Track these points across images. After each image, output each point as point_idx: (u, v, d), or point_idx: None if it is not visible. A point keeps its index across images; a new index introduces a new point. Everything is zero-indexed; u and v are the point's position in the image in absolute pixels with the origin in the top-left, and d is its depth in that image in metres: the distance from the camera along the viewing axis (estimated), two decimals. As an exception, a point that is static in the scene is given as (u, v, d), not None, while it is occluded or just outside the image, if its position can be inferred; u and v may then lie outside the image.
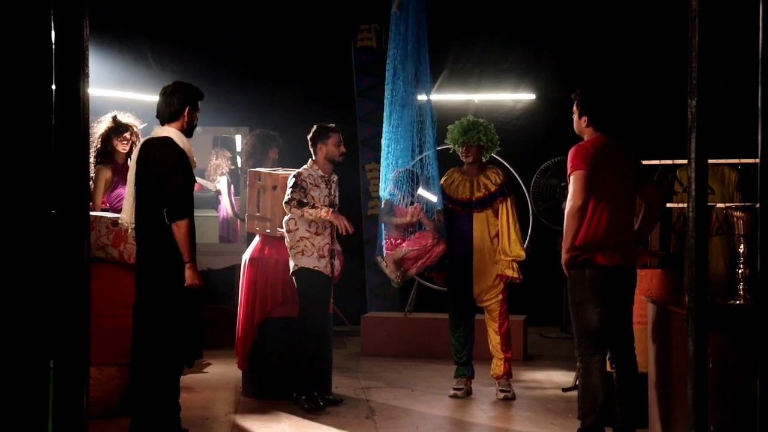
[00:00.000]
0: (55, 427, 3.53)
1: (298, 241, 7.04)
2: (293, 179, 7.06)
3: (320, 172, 7.11)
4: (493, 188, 7.46)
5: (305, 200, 6.95)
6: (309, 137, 7.19)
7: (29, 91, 3.55)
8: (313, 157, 7.16)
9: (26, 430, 3.41)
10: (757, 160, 3.72)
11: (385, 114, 7.48)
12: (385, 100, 7.45)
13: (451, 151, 7.66)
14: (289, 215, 7.05)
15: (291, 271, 7.10)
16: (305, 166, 7.16)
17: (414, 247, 7.36)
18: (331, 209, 6.99)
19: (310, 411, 6.88)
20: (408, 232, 7.48)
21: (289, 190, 7.00)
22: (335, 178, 7.26)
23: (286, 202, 6.97)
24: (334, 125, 7.21)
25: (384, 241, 7.47)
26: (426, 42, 7.40)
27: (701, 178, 3.71)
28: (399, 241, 7.42)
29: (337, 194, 7.23)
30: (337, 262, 7.20)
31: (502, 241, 7.44)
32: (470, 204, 7.49)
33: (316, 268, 7.04)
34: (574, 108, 5.85)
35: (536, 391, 7.85)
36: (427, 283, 9.08)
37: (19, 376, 3.41)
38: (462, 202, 7.51)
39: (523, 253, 7.44)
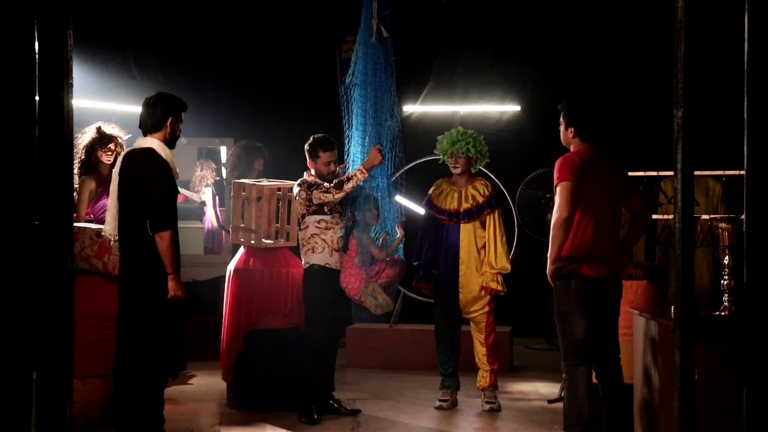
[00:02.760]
0: (37, 440, 3.51)
1: (309, 238, 7.08)
2: (302, 185, 7.06)
3: (318, 180, 7.11)
4: (481, 200, 7.47)
5: (339, 179, 6.99)
6: (305, 148, 7.20)
7: (12, 101, 3.53)
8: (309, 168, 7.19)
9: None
10: (742, 172, 3.72)
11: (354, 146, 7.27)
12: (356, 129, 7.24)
13: (440, 162, 7.67)
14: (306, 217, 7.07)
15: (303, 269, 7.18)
16: (304, 177, 7.18)
17: (397, 272, 7.31)
18: (360, 167, 6.99)
19: (306, 424, 6.87)
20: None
21: (309, 193, 6.98)
22: (339, 171, 7.25)
23: (325, 192, 6.93)
24: (329, 141, 7.16)
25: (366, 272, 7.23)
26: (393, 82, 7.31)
27: (687, 189, 3.71)
28: (378, 268, 7.26)
29: None
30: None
31: (488, 253, 7.45)
32: (458, 215, 7.49)
33: (326, 265, 7.06)
34: (561, 119, 5.85)
35: (522, 403, 7.85)
36: (413, 295, 9.08)
37: (2, 388, 3.38)
38: (449, 212, 7.50)
39: (508, 266, 7.45)
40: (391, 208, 7.31)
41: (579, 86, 10.39)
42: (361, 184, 7.05)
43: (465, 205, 7.48)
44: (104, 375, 6.39)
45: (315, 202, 7.02)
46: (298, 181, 7.18)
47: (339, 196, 6.98)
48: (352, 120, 7.20)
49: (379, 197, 7.23)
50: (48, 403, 3.54)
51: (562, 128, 5.85)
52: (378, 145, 7.05)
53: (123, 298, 5.80)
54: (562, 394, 6.21)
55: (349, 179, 6.97)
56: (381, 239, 7.23)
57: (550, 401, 7.73)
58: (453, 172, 7.57)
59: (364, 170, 6.98)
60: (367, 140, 7.13)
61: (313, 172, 7.16)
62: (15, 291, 3.47)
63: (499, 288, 7.44)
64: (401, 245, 7.40)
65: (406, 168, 7.55)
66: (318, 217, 7.07)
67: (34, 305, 3.53)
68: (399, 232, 7.30)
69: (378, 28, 7.10)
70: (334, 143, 7.20)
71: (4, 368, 3.40)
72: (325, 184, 7.04)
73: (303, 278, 7.19)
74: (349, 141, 7.24)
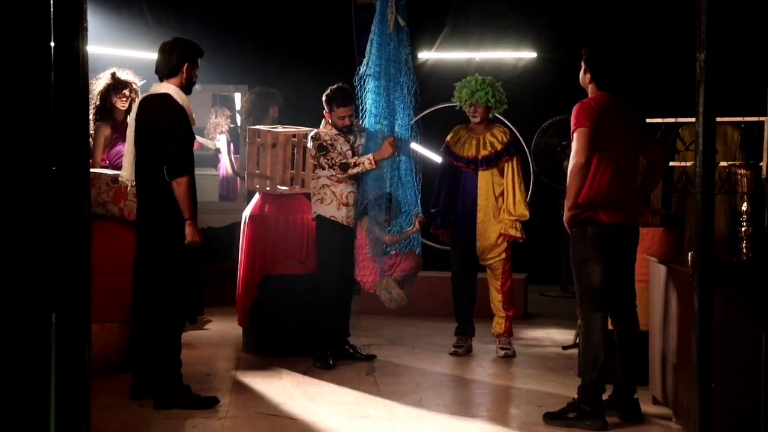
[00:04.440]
0: (57, 382, 3.54)
1: (320, 188, 7.06)
2: (315, 141, 7.02)
3: (334, 132, 7.08)
4: (499, 147, 7.44)
5: (346, 161, 6.95)
6: (323, 98, 7.12)
7: (28, 48, 3.51)
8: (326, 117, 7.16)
9: (29, 385, 3.41)
10: (762, 119, 3.69)
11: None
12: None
13: (457, 108, 7.63)
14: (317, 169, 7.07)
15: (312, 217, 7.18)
16: (321, 127, 7.15)
17: (412, 265, 7.26)
18: (371, 156, 6.94)
19: (322, 369, 6.92)
20: (398, 248, 7.29)
21: (317, 155, 6.97)
22: (357, 127, 7.20)
23: (330, 167, 6.94)
24: (346, 96, 7.04)
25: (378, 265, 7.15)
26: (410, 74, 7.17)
27: (709, 133, 3.67)
28: (393, 261, 7.21)
29: (362, 142, 7.15)
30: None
31: (506, 200, 7.44)
32: (476, 162, 7.46)
33: (332, 218, 7.05)
34: (582, 63, 5.78)
35: (536, 349, 7.88)
36: (430, 242, 9.06)
37: (22, 331, 3.41)
38: (467, 159, 7.48)
39: (527, 213, 7.43)
40: (411, 195, 7.25)
41: (596, 33, 10.28)
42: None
43: (483, 153, 7.46)
44: (122, 320, 6.44)
45: (321, 163, 7.02)
46: (313, 132, 7.12)
47: (340, 176, 6.99)
48: (365, 108, 7.13)
49: (399, 186, 7.16)
50: (67, 345, 3.57)
51: (581, 72, 5.80)
52: (391, 138, 6.99)
53: (140, 243, 5.82)
54: (577, 341, 6.22)
55: (355, 164, 6.94)
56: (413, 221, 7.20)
57: (564, 347, 7.76)
58: (471, 120, 7.53)
59: (373, 161, 6.94)
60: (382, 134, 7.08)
61: (330, 121, 7.12)
62: (34, 236, 3.48)
63: (518, 235, 7.44)
64: (419, 236, 7.34)
65: (422, 114, 7.49)
66: (330, 172, 7.05)
67: (53, 250, 3.55)
68: (414, 225, 7.24)
69: (395, 19, 7.02)
70: (353, 97, 7.09)
71: (24, 312, 3.43)
72: (337, 148, 6.96)
73: (315, 225, 7.19)
74: (363, 93, 7.16)
